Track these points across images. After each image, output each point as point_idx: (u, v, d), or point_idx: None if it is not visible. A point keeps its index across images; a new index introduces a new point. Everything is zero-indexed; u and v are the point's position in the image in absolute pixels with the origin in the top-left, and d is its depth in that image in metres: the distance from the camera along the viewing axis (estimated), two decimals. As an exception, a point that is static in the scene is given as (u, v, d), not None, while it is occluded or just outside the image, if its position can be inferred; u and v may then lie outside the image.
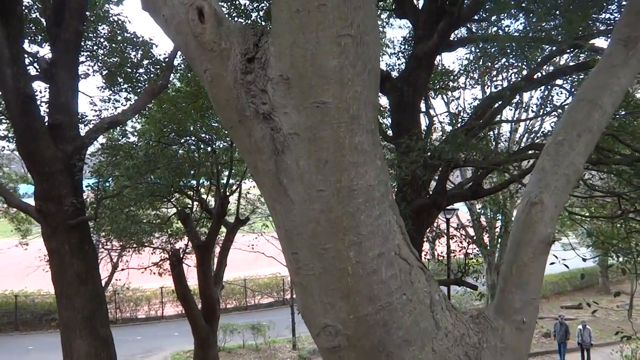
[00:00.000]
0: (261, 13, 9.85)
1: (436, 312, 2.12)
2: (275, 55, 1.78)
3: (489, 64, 8.77)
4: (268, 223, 18.50)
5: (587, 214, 10.92)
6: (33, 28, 11.24)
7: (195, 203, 13.89)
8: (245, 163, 13.50)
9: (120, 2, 13.08)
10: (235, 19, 9.65)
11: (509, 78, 9.10)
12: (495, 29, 9.51)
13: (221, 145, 13.17)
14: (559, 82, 9.09)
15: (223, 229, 14.42)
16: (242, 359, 20.94)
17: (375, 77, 1.84)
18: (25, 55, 9.97)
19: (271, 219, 18.49)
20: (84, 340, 9.00)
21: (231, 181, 13.91)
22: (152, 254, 14.52)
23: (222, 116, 2.02)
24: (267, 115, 1.79)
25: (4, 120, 12.42)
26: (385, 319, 1.95)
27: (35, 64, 10.32)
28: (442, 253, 11.92)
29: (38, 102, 9.74)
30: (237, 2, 9.95)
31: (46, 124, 8.93)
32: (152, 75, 12.24)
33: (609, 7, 7.33)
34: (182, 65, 12.31)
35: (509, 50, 6.74)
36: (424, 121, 9.97)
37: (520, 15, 8.50)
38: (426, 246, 12.02)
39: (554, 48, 8.12)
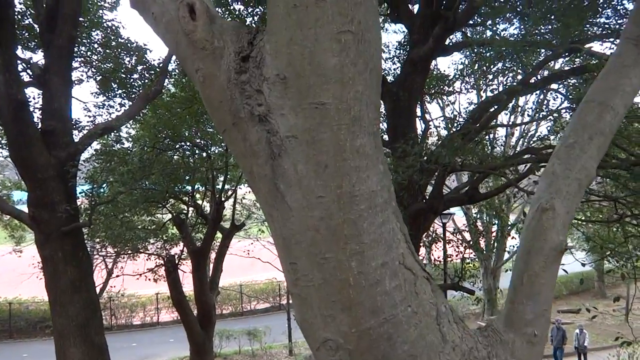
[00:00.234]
0: (256, 18, 9.83)
1: (443, 324, 2.01)
2: (271, 53, 1.68)
3: (485, 68, 8.76)
4: (264, 228, 18.43)
5: (583, 218, 10.90)
6: (26, 34, 11.18)
7: (191, 209, 13.84)
8: (240, 168, 13.48)
9: (114, 7, 13.05)
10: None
11: (505, 82, 9.09)
12: (490, 33, 9.52)
13: (216, 151, 13.11)
14: (554, 86, 9.10)
15: (218, 235, 14.37)
16: (238, 365, 20.84)
17: (377, 76, 1.75)
18: (19, 62, 9.91)
19: (267, 225, 18.47)
20: (78, 348, 8.91)
21: (226, 186, 13.84)
22: (147, 260, 14.44)
23: (215, 118, 1.92)
24: (263, 117, 1.70)
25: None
26: (389, 332, 1.84)
27: (29, 70, 10.25)
28: (438, 258, 11.87)
29: (32, 109, 9.69)
30: (232, 7, 9.93)
31: (39, 130, 8.85)
32: (146, 80, 12.20)
33: (604, 11, 7.36)
34: (177, 71, 12.28)
35: (505, 54, 6.72)
36: (419, 126, 9.97)
37: (515, 20, 8.52)
38: (422, 251, 11.98)
39: (549, 52, 8.13)
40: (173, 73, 12.36)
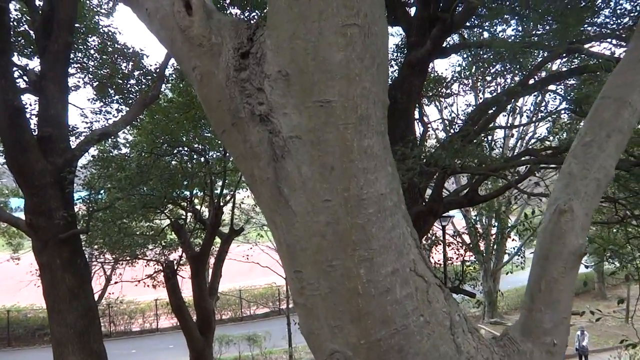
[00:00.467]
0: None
1: (457, 334, 1.90)
2: (273, 49, 1.59)
3: (483, 69, 8.74)
4: (262, 233, 18.41)
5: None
6: (22, 41, 11.13)
7: (189, 214, 13.77)
8: (239, 172, 13.47)
9: (111, 13, 13.02)
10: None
11: (504, 84, 9.07)
12: (487, 35, 9.50)
13: (214, 156, 13.06)
14: (552, 87, 9.08)
15: (217, 240, 14.31)
16: (238, 371, 20.76)
17: (384, 72, 1.67)
18: (15, 68, 9.86)
19: (266, 229, 18.48)
20: (76, 356, 8.82)
21: (225, 191, 13.79)
22: (146, 266, 14.37)
23: (213, 119, 1.83)
24: (264, 117, 1.61)
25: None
26: (400, 343, 1.74)
27: (25, 77, 10.20)
28: (438, 261, 11.83)
29: (28, 115, 9.63)
30: (229, 12, 9.90)
31: (36, 136, 8.79)
32: (143, 86, 12.16)
33: (602, 12, 7.34)
34: (174, 76, 12.24)
35: (504, 56, 6.69)
36: (417, 128, 9.93)
37: (513, 21, 8.50)
38: (422, 254, 11.89)
39: (547, 54, 8.11)
40: (170, 78, 12.33)
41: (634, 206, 6.77)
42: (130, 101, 12.07)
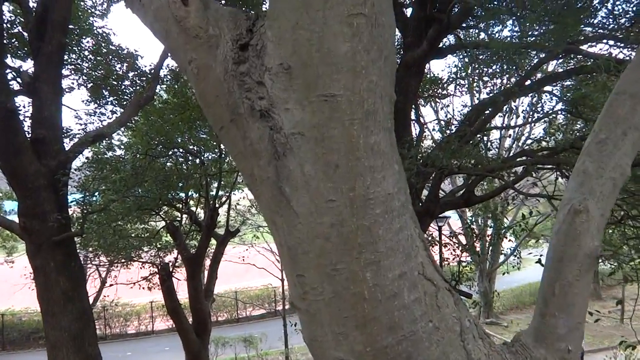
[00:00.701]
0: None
1: (467, 341, 1.82)
2: (274, 40, 1.48)
3: (480, 70, 8.73)
4: (258, 234, 18.38)
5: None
6: (16, 42, 11.05)
7: (185, 216, 13.71)
8: (235, 174, 13.45)
9: (105, 15, 12.95)
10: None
11: (500, 85, 9.07)
12: (484, 36, 9.49)
13: (210, 157, 13.02)
14: (548, 88, 9.08)
15: (213, 242, 14.26)
16: (234, 373, 20.69)
17: (392, 64, 1.59)
18: (8, 70, 9.79)
19: (262, 230, 18.46)
20: (71, 359, 8.76)
21: (220, 193, 13.76)
22: (141, 268, 14.29)
23: (210, 115, 1.72)
24: (265, 112, 1.52)
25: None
26: (408, 350, 1.66)
27: (18, 79, 10.13)
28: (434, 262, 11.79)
29: (22, 117, 9.56)
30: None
31: (29, 139, 8.72)
32: (138, 87, 12.10)
33: (598, 12, 7.34)
34: (169, 77, 12.18)
35: (501, 56, 6.68)
36: (414, 129, 9.92)
37: (509, 22, 8.49)
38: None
39: (543, 55, 8.11)
40: (165, 79, 12.27)
41: (631, 207, 6.76)
42: (125, 102, 12.01)
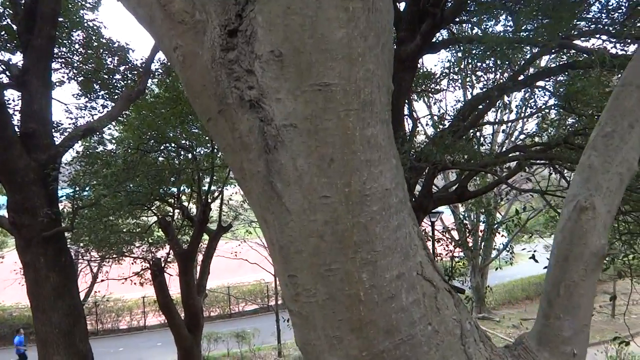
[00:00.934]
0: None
1: (468, 344, 1.75)
2: (264, 25, 1.37)
3: (474, 65, 8.71)
4: (251, 230, 18.31)
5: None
6: (5, 35, 10.91)
7: (177, 211, 13.64)
8: (227, 168, 13.38)
9: (96, 7, 12.81)
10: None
11: (493, 79, 9.06)
12: (477, 30, 9.46)
13: (202, 152, 12.94)
14: (540, 84, 9.07)
15: (205, 237, 14.20)
16: (226, 368, 20.68)
17: (389, 53, 1.51)
18: (-3, 63, 9.69)
19: (254, 225, 18.41)
20: (62, 355, 8.71)
21: (213, 188, 13.69)
22: (132, 263, 14.23)
23: (197, 106, 1.61)
24: (255, 103, 1.42)
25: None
26: (406, 355, 1.59)
27: (8, 72, 10.00)
28: (428, 257, 11.80)
29: (12, 111, 9.44)
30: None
31: (18, 133, 8.61)
32: (129, 81, 11.99)
33: (592, 7, 7.33)
34: (160, 71, 12.08)
35: (494, 51, 6.65)
36: (407, 124, 9.89)
37: (503, 16, 8.46)
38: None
39: (536, 50, 8.09)
40: (156, 73, 12.16)
41: (624, 202, 6.77)
42: (116, 97, 11.90)
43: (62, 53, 11.77)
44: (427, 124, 14.52)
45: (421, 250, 1.70)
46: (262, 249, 20.57)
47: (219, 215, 14.71)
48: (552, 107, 8.58)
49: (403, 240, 1.58)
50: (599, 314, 24.68)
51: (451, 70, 10.39)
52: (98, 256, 14.16)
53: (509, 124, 19.56)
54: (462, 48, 9.32)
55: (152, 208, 13.17)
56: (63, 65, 11.98)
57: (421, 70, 11.71)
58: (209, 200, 13.17)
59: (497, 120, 13.87)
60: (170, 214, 13.77)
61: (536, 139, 8.72)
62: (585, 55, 7.12)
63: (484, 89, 8.36)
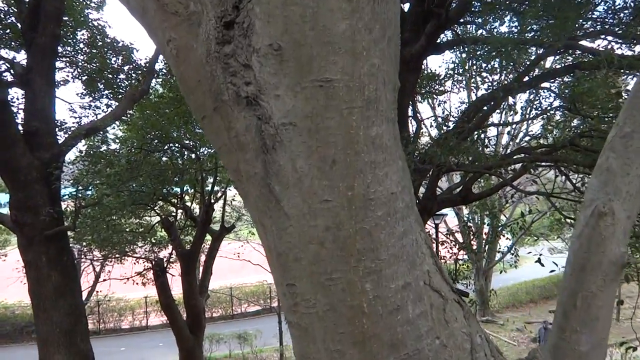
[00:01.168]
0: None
1: (479, 359, 1.66)
2: (263, 17, 1.28)
3: (477, 66, 8.66)
4: (254, 231, 18.26)
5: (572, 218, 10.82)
6: (10, 33, 10.91)
7: (180, 211, 13.63)
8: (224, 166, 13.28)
9: (101, 7, 12.82)
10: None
11: (498, 81, 8.99)
12: (482, 31, 9.41)
13: (205, 152, 12.92)
14: (545, 85, 9.01)
15: (208, 237, 14.18)
16: (228, 369, 20.65)
17: (396, 48, 1.42)
18: (1, 62, 9.67)
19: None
20: (62, 355, 8.68)
21: (216, 188, 13.68)
22: (135, 263, 14.22)
23: (192, 103, 1.53)
24: (252, 99, 1.34)
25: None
26: None
27: (12, 70, 10.00)
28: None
29: (16, 109, 9.44)
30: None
31: (22, 131, 8.60)
32: (133, 80, 11.98)
33: (597, 7, 7.27)
34: (164, 71, 12.07)
35: (500, 52, 6.59)
36: (411, 125, 9.84)
37: (508, 17, 8.41)
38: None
39: (542, 50, 8.03)
40: (160, 73, 12.15)
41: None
42: (120, 96, 11.89)
43: (67, 52, 11.79)
44: (431, 126, 14.44)
45: (429, 259, 1.60)
46: (265, 250, 20.52)
47: (222, 215, 14.69)
48: (557, 109, 8.52)
49: (409, 248, 1.50)
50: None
51: (455, 72, 10.34)
52: (100, 255, 14.15)
53: (515, 125, 19.46)
54: (466, 49, 9.28)
55: (155, 208, 13.17)
56: (68, 64, 11.99)
57: (425, 72, 11.66)
58: (212, 201, 13.16)
59: (501, 122, 13.81)
60: (173, 214, 13.76)
61: (541, 141, 8.66)
62: (591, 56, 7.07)
63: (489, 90, 8.30)
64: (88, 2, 12.37)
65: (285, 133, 1.34)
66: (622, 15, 6.75)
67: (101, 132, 11.21)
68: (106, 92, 12.25)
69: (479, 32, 9.80)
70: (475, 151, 6.94)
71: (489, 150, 9.45)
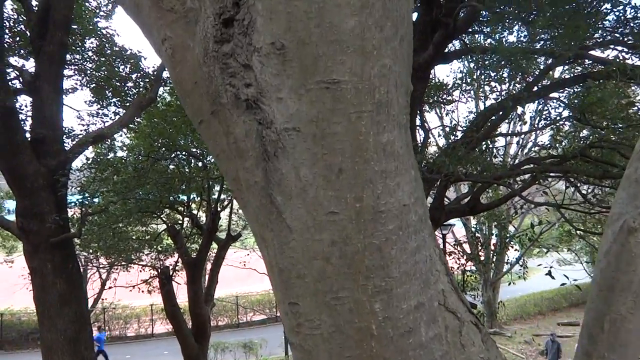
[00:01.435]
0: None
1: None
2: (265, 14, 1.19)
3: (485, 76, 8.61)
4: (260, 239, 18.23)
5: (583, 228, 10.71)
6: (20, 41, 10.99)
7: (186, 219, 13.61)
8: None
9: (110, 16, 12.90)
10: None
11: (507, 90, 8.95)
12: (490, 40, 9.37)
13: (212, 160, 12.91)
14: (554, 95, 8.94)
15: (214, 246, 14.14)
16: (233, 378, 20.55)
17: (409, 47, 1.33)
18: (11, 69, 9.73)
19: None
20: (67, 363, 8.63)
21: (222, 196, 13.65)
22: (141, 271, 14.21)
23: (188, 107, 1.43)
24: (253, 103, 1.25)
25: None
26: None
27: (21, 78, 10.05)
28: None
29: (24, 117, 9.48)
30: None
31: (29, 138, 8.62)
32: (141, 88, 12.03)
33: (607, 17, 7.20)
34: (172, 79, 12.10)
35: (509, 61, 6.54)
36: (418, 135, 9.79)
37: (516, 26, 8.36)
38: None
39: (551, 60, 7.97)
40: (168, 81, 12.18)
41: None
42: (128, 104, 11.94)
43: (76, 60, 11.87)
44: (439, 135, 14.39)
45: (443, 277, 1.49)
46: (266, 265, 20.49)
47: (229, 224, 14.66)
48: (567, 119, 8.44)
49: (423, 265, 1.39)
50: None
51: (463, 81, 10.29)
52: (107, 263, 14.15)
53: (524, 135, 19.36)
54: (474, 58, 9.23)
55: (162, 216, 13.16)
56: (76, 72, 12.07)
57: (433, 81, 11.62)
58: (219, 209, 13.12)
59: (510, 132, 13.72)
60: (180, 222, 13.74)
61: (550, 151, 8.58)
62: (601, 65, 7.00)
63: (498, 100, 8.25)
64: (97, 11, 12.45)
65: (288, 139, 1.24)
66: (632, 25, 6.67)
67: (109, 140, 11.23)
68: (114, 99, 12.31)
69: (487, 41, 9.76)
70: (484, 161, 6.87)
71: (498, 161, 9.38)
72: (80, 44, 11.74)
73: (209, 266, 15.54)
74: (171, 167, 12.46)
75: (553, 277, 6.64)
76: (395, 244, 1.31)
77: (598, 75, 6.74)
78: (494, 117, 8.26)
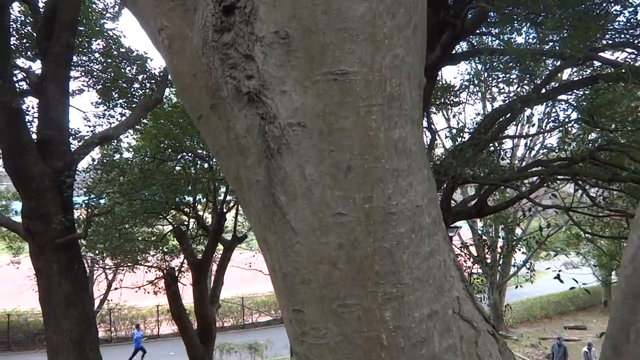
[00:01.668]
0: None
1: None
2: (268, 1, 1.11)
3: (493, 77, 8.55)
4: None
5: (590, 231, 10.62)
6: (26, 43, 11.02)
7: (192, 220, 13.61)
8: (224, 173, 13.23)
9: (116, 17, 12.92)
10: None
11: (516, 91, 8.88)
12: (498, 42, 9.31)
13: (218, 161, 12.91)
14: (563, 97, 8.87)
15: (220, 247, 14.13)
16: (239, 380, 20.54)
17: (422, 37, 1.24)
18: (17, 71, 9.74)
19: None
20: (72, 364, 8.63)
21: (228, 197, 13.64)
22: (146, 272, 14.22)
23: (186, 101, 1.34)
24: (255, 96, 1.16)
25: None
26: None
27: (27, 79, 10.07)
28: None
29: (31, 118, 9.49)
30: None
31: (35, 139, 8.63)
32: (147, 90, 12.04)
33: (617, 19, 7.14)
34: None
35: (517, 63, 6.48)
36: (425, 136, 9.73)
37: (524, 28, 8.30)
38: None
39: (560, 62, 7.91)
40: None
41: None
42: (134, 105, 11.95)
43: (82, 61, 11.90)
44: (445, 137, 14.33)
45: (458, 283, 1.39)
46: (269, 270, 20.50)
47: (234, 225, 14.64)
48: (575, 121, 8.37)
49: (436, 271, 1.30)
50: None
51: (471, 83, 10.23)
52: (112, 264, 14.17)
53: (532, 137, 19.26)
54: (482, 60, 9.18)
55: (168, 217, 13.17)
56: (83, 73, 12.10)
57: (440, 83, 11.56)
58: (225, 210, 13.12)
59: (517, 133, 13.63)
60: (186, 223, 13.75)
61: (559, 154, 8.51)
62: (611, 67, 6.93)
63: (506, 101, 8.18)
64: (104, 12, 12.48)
65: (292, 135, 1.16)
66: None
67: (115, 141, 11.25)
68: (120, 101, 12.34)
69: (495, 43, 9.70)
70: (492, 163, 6.81)
71: (505, 163, 9.32)
72: (86, 45, 11.78)
73: (214, 267, 15.52)
74: (177, 168, 12.47)
75: (562, 281, 6.57)
76: (407, 248, 1.22)
77: (608, 77, 6.66)
78: (501, 119, 8.20)
